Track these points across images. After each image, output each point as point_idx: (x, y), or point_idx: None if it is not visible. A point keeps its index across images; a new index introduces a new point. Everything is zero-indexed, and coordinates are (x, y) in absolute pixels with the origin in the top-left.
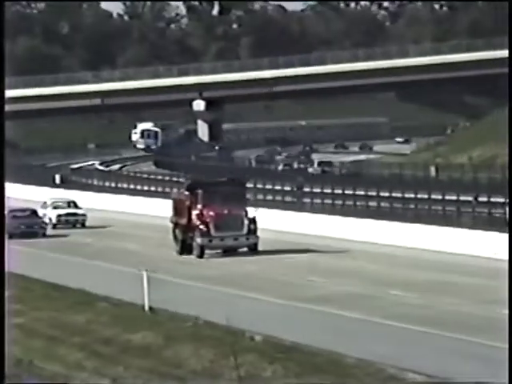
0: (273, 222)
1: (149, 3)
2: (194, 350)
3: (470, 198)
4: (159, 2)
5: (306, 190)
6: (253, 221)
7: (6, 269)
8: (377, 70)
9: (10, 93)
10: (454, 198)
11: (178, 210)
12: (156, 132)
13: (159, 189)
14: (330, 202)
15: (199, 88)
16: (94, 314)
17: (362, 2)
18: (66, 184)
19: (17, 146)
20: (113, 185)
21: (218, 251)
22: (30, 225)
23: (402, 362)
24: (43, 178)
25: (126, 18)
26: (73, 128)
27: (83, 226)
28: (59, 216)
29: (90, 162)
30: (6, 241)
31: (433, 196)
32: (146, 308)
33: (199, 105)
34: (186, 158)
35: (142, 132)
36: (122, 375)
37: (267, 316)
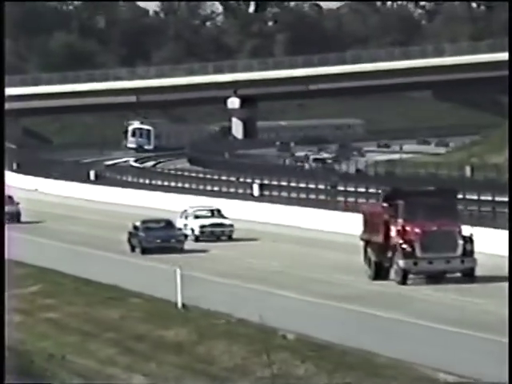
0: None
1: (185, 0)
2: (226, 347)
3: (505, 199)
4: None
5: (340, 188)
6: (469, 239)
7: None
8: (413, 68)
9: (44, 89)
10: (490, 198)
11: (370, 225)
12: (148, 130)
13: (193, 186)
14: (364, 200)
15: (234, 85)
16: (127, 309)
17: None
18: (100, 180)
19: (50, 141)
20: (147, 181)
21: (422, 277)
22: (167, 238)
23: (436, 362)
24: (77, 174)
25: (161, 15)
26: (107, 124)
27: (230, 238)
28: (203, 227)
29: (124, 159)
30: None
31: (468, 196)
32: (179, 305)
33: (234, 102)
34: (220, 156)
35: (134, 131)
36: (155, 371)
37: (300, 314)
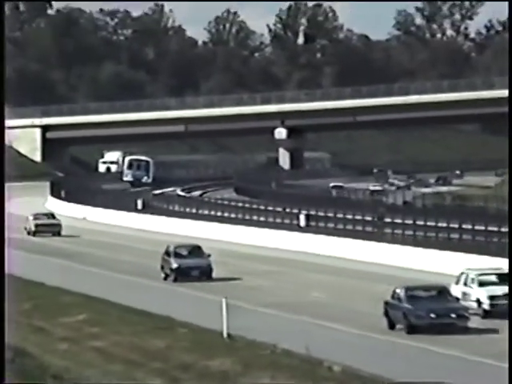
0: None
1: (234, 31)
2: (271, 378)
3: None
4: (244, 30)
5: (387, 220)
6: None
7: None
8: (461, 101)
9: (93, 118)
10: None
11: None
12: (147, 162)
13: (239, 216)
14: (411, 233)
15: (281, 116)
16: (173, 339)
17: (448, 33)
18: (147, 209)
19: (98, 171)
20: (193, 211)
21: None
22: (445, 312)
23: None
24: (125, 203)
25: (210, 45)
26: (155, 154)
27: None
28: (493, 298)
29: (171, 188)
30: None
31: None
32: (225, 335)
33: (281, 133)
34: (267, 186)
35: (130, 162)
36: None
37: (345, 346)
